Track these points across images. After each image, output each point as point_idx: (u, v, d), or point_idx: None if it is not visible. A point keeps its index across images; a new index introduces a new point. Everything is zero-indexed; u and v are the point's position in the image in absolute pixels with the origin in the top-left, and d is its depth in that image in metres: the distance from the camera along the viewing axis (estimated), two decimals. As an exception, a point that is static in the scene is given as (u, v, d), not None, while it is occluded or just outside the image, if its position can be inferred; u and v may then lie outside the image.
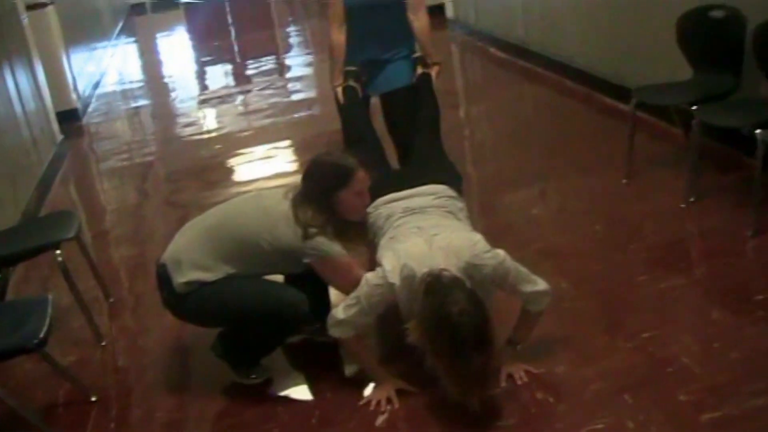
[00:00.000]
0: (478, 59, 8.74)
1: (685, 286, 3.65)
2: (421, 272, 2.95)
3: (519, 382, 3.10)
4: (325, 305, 3.54)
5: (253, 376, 3.42)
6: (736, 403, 2.81)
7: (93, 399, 3.47)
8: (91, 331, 3.95)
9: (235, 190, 5.79)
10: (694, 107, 4.25)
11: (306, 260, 3.17)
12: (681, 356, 3.10)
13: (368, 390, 3.21)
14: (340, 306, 3.10)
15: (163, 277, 3.30)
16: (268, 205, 3.28)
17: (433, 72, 4.29)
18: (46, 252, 3.98)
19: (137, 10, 17.36)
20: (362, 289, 3.03)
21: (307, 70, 9.97)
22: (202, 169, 6.50)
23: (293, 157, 6.56)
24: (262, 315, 3.21)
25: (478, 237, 3.14)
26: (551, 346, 3.33)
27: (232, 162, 6.61)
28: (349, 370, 3.39)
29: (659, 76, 5.14)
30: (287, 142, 6.86)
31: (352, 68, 4.17)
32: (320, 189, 3.21)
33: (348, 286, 3.22)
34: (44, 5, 7.73)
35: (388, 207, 3.43)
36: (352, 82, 4.13)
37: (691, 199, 4.33)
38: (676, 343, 3.20)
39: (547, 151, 5.79)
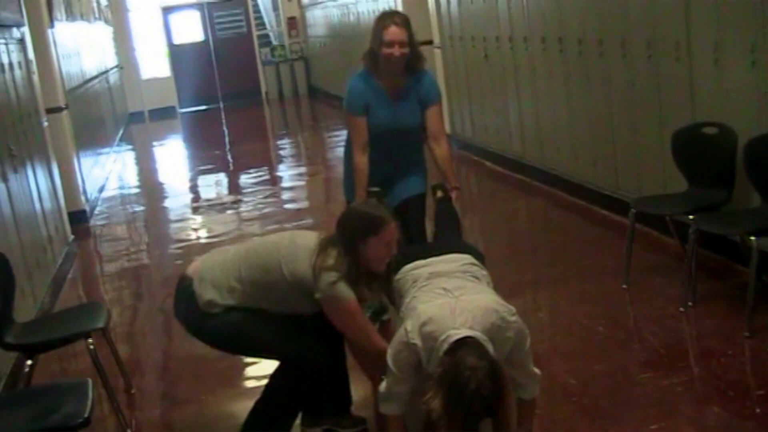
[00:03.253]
0: (474, 173, 8.99)
1: (686, 384, 3.84)
2: (443, 333, 2.97)
3: (537, 471, 3.26)
4: (346, 397, 3.73)
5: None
6: (743, 489, 3.01)
7: (124, 483, 3.60)
8: (116, 420, 4.06)
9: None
10: (692, 216, 4.52)
11: (318, 296, 3.32)
12: (689, 446, 3.30)
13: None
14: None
15: (186, 291, 3.45)
16: (298, 240, 3.46)
17: (453, 195, 4.41)
18: (77, 341, 4.16)
19: (136, 118, 17.78)
20: (390, 354, 3.13)
21: (300, 182, 10.22)
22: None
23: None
24: (279, 349, 3.38)
25: (503, 301, 3.21)
26: (564, 437, 3.51)
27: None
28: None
29: (653, 189, 5.44)
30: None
31: (376, 189, 4.28)
32: (350, 234, 3.36)
33: (355, 331, 3.42)
34: (61, 110, 8.05)
35: (414, 273, 3.47)
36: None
37: (689, 304, 4.56)
38: (682, 435, 3.39)
39: (545, 260, 6.03)
